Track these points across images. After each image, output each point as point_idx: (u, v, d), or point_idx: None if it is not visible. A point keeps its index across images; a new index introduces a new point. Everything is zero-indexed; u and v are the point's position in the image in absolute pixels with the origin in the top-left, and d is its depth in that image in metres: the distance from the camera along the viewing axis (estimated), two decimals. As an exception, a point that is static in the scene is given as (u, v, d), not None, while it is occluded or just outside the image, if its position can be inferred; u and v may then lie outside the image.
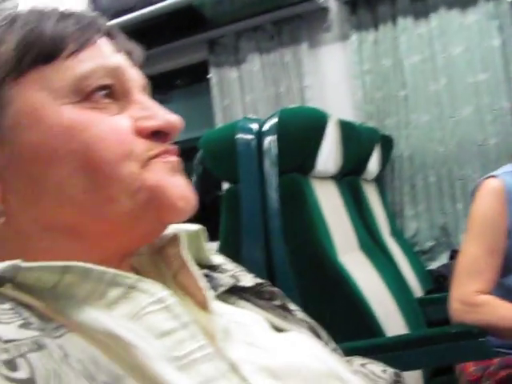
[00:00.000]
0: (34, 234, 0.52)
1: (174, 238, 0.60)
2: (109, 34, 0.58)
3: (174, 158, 0.56)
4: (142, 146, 0.53)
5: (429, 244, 2.53)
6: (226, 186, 1.74)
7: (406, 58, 2.58)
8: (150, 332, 0.46)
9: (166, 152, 0.55)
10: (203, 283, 0.56)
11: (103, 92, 0.53)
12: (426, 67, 2.56)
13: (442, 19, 2.53)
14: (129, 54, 0.59)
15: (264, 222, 1.49)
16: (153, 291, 0.48)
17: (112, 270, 0.48)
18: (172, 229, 0.59)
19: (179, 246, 0.59)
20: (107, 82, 0.54)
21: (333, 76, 2.77)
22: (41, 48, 0.52)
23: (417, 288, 2.18)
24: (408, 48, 2.58)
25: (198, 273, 0.57)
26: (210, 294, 0.56)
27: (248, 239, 1.50)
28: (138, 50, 0.62)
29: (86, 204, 0.51)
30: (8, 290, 0.45)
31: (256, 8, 2.76)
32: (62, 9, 0.57)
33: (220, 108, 2.96)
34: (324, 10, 2.75)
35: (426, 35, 2.58)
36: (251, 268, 0.70)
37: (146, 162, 0.53)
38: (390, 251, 2.09)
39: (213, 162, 1.58)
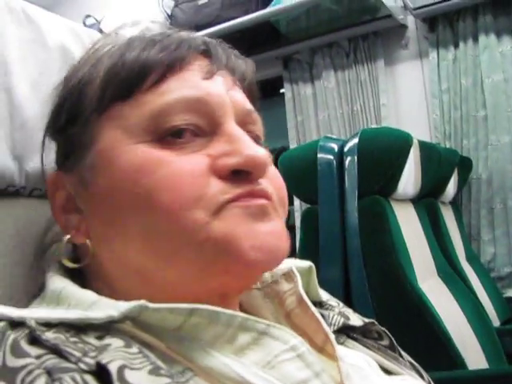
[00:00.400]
0: (113, 274, 0.51)
1: (289, 274, 0.57)
2: (204, 51, 0.52)
3: (259, 202, 0.48)
4: (216, 189, 0.46)
5: (506, 270, 2.43)
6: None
7: (487, 77, 2.51)
8: (284, 381, 0.43)
9: (247, 195, 0.47)
10: (326, 326, 0.52)
11: (182, 130, 0.48)
12: (508, 87, 2.48)
13: (525, 37, 2.46)
14: (231, 70, 0.53)
15: (343, 243, 1.47)
16: (285, 338, 0.46)
17: (241, 314, 0.45)
18: (284, 263, 0.55)
19: (295, 282, 0.56)
20: (184, 121, 0.48)
21: (409, 95, 2.72)
22: (120, 82, 0.48)
23: (493, 317, 2.09)
24: (489, 66, 2.51)
25: (317, 313, 0.53)
26: (333, 337, 0.52)
27: (326, 260, 1.48)
28: (244, 64, 0.55)
29: (149, 252, 0.47)
30: (127, 326, 0.43)
31: (332, 24, 2.76)
32: (152, 33, 0.52)
33: (293, 124, 2.96)
34: (402, 27, 2.71)
35: (508, 53, 2.51)
36: (328, 289, 0.68)
37: (220, 207, 0.46)
38: (467, 277, 2.02)
39: (292, 181, 1.57)
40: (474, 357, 1.54)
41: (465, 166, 2.37)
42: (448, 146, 2.50)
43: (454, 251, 2.04)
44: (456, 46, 2.62)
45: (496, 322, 2.09)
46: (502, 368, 1.51)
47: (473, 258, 2.31)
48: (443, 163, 1.96)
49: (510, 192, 2.42)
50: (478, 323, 1.70)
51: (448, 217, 2.22)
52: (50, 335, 0.40)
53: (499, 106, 2.48)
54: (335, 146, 1.54)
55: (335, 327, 0.58)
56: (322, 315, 0.57)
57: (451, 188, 2.18)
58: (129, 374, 0.37)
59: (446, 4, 2.53)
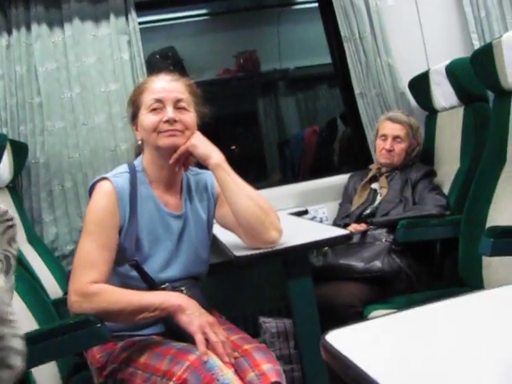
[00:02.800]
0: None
1: None
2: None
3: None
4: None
5: (69, 248, 2.59)
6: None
7: (40, 65, 2.59)
8: None
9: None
10: None
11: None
12: (61, 75, 2.62)
13: (76, 29, 2.63)
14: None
15: None
16: None
17: None
18: None
19: None
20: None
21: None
22: None
23: (57, 289, 2.22)
24: (42, 55, 2.60)
25: None
26: None
27: None
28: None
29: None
30: None
31: None
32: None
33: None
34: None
35: (60, 44, 2.64)
36: None
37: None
38: (26, 258, 2.07)
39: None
40: (25, 327, 1.59)
41: (20, 151, 2.40)
42: (5, 132, 2.49)
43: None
44: (10, 32, 2.61)
45: (60, 294, 2.22)
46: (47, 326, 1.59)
47: (35, 240, 2.38)
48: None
49: (67, 174, 2.58)
50: (31, 298, 1.76)
51: (5, 201, 2.22)
52: None
53: (53, 94, 2.60)
54: None
55: None
56: None
57: (5, 173, 2.19)
58: None
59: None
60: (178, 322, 1.39)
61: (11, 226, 0.75)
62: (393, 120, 2.54)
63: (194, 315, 1.38)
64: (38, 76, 2.59)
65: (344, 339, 0.72)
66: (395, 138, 2.50)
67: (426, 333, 0.75)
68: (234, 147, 4.54)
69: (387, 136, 2.52)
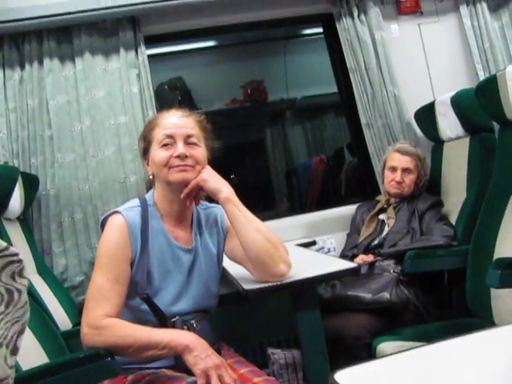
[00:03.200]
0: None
1: None
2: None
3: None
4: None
5: (78, 279, 2.60)
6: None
7: (52, 99, 2.64)
8: None
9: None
10: None
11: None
12: (71, 108, 2.67)
13: (86, 63, 2.69)
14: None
15: None
16: None
17: None
18: None
19: None
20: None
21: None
22: None
23: (66, 320, 2.23)
24: (53, 89, 2.66)
25: None
26: None
27: None
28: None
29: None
30: None
31: None
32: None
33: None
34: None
35: (71, 78, 2.70)
36: None
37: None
38: (35, 289, 2.09)
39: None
40: (34, 358, 1.60)
41: (31, 183, 2.44)
42: (16, 164, 2.53)
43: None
44: (22, 67, 2.68)
45: (69, 326, 2.22)
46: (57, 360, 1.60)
47: (45, 271, 2.39)
48: (3, 180, 1.99)
49: (76, 206, 2.61)
50: (41, 330, 1.78)
51: (15, 233, 2.25)
52: None
53: (63, 126, 2.64)
54: None
55: None
56: None
57: (16, 204, 2.22)
58: None
59: (11, 25, 2.57)
60: (185, 361, 1.39)
61: (14, 262, 0.76)
62: (401, 152, 2.57)
63: (200, 357, 1.37)
64: (49, 109, 2.65)
65: (353, 378, 0.73)
66: (405, 169, 2.53)
67: (438, 372, 0.75)
68: (233, 176, 4.55)
69: (397, 168, 2.54)
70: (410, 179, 2.53)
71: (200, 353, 1.38)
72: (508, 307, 1.91)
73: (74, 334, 2.03)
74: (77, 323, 2.26)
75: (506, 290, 1.86)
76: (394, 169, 2.55)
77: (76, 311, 2.37)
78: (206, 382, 1.34)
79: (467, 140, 2.50)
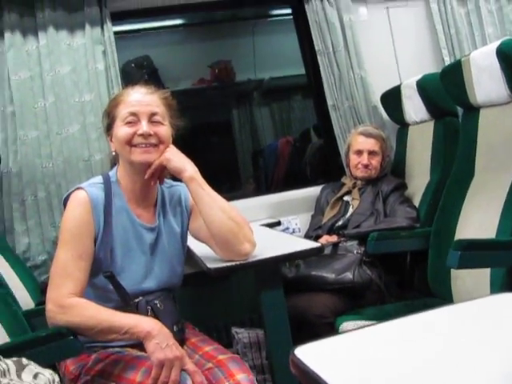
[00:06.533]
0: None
1: None
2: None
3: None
4: None
5: (41, 258, 2.57)
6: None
7: (14, 74, 2.57)
8: None
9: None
10: None
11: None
12: (34, 84, 2.60)
13: (50, 38, 2.61)
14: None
15: None
16: None
17: None
18: None
19: None
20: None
21: None
22: None
23: (28, 300, 2.20)
24: (15, 64, 2.58)
25: None
26: None
27: None
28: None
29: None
30: None
31: None
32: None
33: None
34: None
35: (34, 53, 2.62)
36: None
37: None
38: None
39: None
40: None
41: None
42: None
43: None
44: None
45: (32, 305, 2.19)
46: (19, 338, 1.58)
47: (6, 250, 2.35)
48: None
49: (40, 184, 2.56)
50: (2, 309, 1.75)
51: (-24, 211, 2.20)
52: None
53: (26, 103, 2.57)
54: None
55: None
56: None
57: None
58: None
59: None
60: (145, 348, 1.38)
61: None
62: (366, 135, 2.59)
63: (160, 345, 1.36)
64: (10, 84, 2.57)
65: (314, 354, 0.74)
66: (371, 152, 2.55)
67: (397, 347, 0.77)
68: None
69: (362, 151, 2.56)
70: (376, 161, 2.56)
71: (161, 341, 1.37)
72: (467, 287, 1.97)
73: (36, 313, 2.01)
74: (39, 303, 2.23)
75: (465, 271, 1.92)
76: (359, 152, 2.57)
77: (39, 290, 2.33)
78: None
79: (432, 124, 2.54)
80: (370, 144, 2.57)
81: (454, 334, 0.78)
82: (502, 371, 0.64)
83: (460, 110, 2.35)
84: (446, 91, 2.22)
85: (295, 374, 0.72)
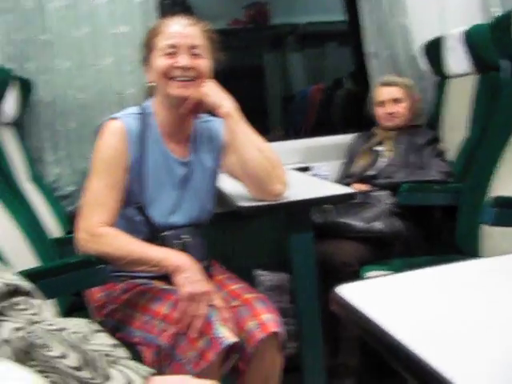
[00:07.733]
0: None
1: None
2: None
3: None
4: None
5: (69, 189, 2.58)
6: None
7: (49, 2, 2.52)
8: None
9: None
10: None
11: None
12: (69, 13, 2.54)
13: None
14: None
15: None
16: None
17: None
18: None
19: None
20: None
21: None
22: None
23: (57, 228, 2.23)
24: (51, -9, 2.52)
25: None
26: None
27: None
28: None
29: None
30: None
31: None
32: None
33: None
34: None
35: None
36: None
37: None
38: (27, 196, 2.07)
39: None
40: (27, 262, 1.60)
41: (25, 88, 2.37)
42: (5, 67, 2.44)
43: (13, 172, 2.05)
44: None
45: (60, 234, 2.23)
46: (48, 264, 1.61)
47: (37, 179, 2.37)
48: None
49: (71, 115, 2.55)
50: (33, 234, 1.78)
51: (9, 138, 2.21)
52: None
53: (61, 32, 2.53)
54: None
55: None
56: None
57: (10, 109, 2.16)
58: None
59: None
60: (174, 282, 1.39)
61: None
62: (386, 84, 2.53)
63: (188, 280, 1.36)
64: (45, 13, 2.53)
65: (356, 292, 0.73)
66: (394, 100, 2.49)
67: (429, 295, 0.76)
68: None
69: (384, 102, 2.50)
70: (402, 107, 2.49)
71: (190, 276, 1.37)
72: (496, 246, 1.93)
73: (65, 242, 2.04)
74: (67, 232, 2.26)
75: (497, 230, 1.88)
76: (382, 103, 2.52)
77: (66, 221, 2.36)
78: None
79: (473, 78, 2.45)
80: (391, 93, 2.51)
81: (483, 286, 0.77)
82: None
83: (504, 64, 2.26)
84: (494, 44, 2.13)
85: (336, 311, 0.71)
